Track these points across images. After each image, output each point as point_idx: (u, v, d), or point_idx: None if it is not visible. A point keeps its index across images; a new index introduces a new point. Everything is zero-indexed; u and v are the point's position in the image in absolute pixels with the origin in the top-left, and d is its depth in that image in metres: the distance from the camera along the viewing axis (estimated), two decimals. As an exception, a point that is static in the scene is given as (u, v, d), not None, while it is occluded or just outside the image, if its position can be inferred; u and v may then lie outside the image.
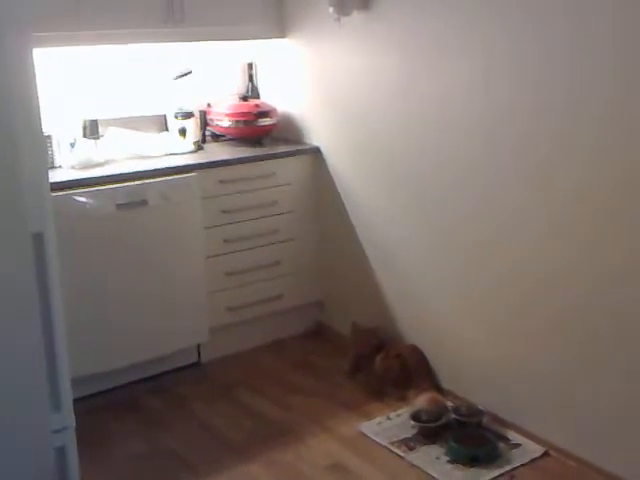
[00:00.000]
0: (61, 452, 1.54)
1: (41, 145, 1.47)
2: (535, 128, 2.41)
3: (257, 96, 3.60)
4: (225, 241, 3.15)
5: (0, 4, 1.31)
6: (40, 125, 1.45)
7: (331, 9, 3.02)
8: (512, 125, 2.49)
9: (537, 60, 2.37)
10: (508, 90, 2.48)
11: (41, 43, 2.28)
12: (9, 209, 1.37)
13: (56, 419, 1.51)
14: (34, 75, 1.43)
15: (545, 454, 2.47)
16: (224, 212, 3.13)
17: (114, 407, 2.85)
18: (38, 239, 1.45)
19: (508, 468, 2.40)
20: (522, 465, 2.42)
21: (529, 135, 2.43)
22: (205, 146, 3.37)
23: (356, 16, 3.01)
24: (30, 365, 1.43)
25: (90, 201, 2.73)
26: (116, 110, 3.26)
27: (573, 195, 2.34)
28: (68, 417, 1.56)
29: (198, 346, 3.18)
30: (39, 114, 1.45)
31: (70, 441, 1.57)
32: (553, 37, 2.31)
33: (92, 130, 3.02)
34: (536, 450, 2.49)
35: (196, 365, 3.19)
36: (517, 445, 2.52)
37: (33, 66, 1.43)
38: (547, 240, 2.44)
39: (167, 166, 2.98)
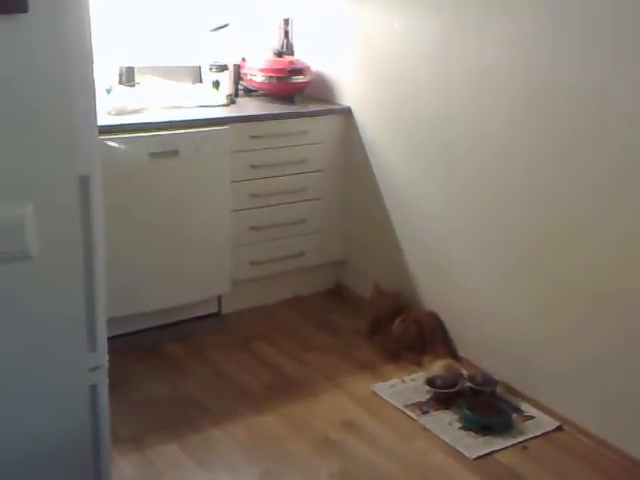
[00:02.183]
0: (94, 390, 1.59)
1: (92, 88, 1.47)
2: (575, 98, 2.39)
3: (292, 53, 3.57)
4: (252, 196, 3.17)
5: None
6: (92, 67, 1.46)
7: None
8: (551, 94, 2.47)
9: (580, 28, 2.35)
10: (549, 58, 2.45)
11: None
12: (58, 150, 1.39)
13: (91, 358, 1.56)
14: (89, 14, 1.43)
15: (558, 428, 2.51)
16: (253, 167, 3.14)
17: (136, 350, 2.91)
18: (85, 182, 1.47)
19: (520, 439, 2.45)
20: (535, 437, 2.47)
21: (567, 104, 2.42)
22: (237, 100, 3.37)
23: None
24: (71, 305, 1.46)
25: (122, 147, 2.75)
26: (152, 59, 3.25)
27: (598, 149, 2.34)
28: (102, 357, 1.60)
29: (219, 297, 3.23)
30: (91, 55, 1.46)
31: (102, 380, 1.61)
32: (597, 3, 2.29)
33: (128, 77, 3.02)
34: (550, 424, 2.53)
35: (216, 315, 3.24)
36: (531, 417, 2.56)
37: (88, 10, 1.43)
38: (572, 205, 2.45)
39: (200, 118, 2.99)
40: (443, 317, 3.00)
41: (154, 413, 2.56)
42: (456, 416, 2.55)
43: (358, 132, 3.33)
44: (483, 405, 2.55)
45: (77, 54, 1.41)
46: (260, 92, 3.46)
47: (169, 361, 2.90)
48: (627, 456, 2.34)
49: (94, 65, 1.49)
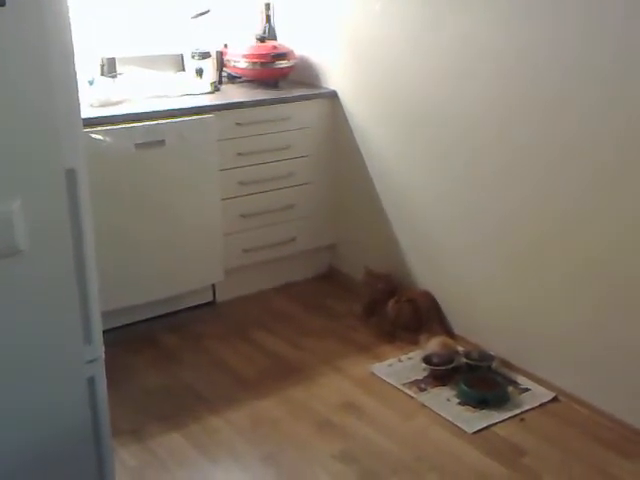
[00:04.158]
0: (91, 382, 1.59)
1: (74, 80, 1.47)
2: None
3: (274, 37, 3.55)
4: (240, 183, 3.16)
5: None
6: (73, 59, 1.45)
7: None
8: (532, 68, 2.47)
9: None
10: (524, 35, 2.46)
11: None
12: (44, 144, 1.38)
13: (87, 350, 1.56)
14: (67, 7, 1.42)
15: (554, 399, 2.54)
16: (240, 154, 3.13)
17: (132, 342, 2.92)
18: (71, 175, 1.47)
19: (517, 411, 2.47)
20: (531, 409, 2.49)
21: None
22: (221, 87, 3.35)
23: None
24: (64, 299, 1.46)
25: (107, 139, 2.74)
26: (133, 48, 3.23)
27: (584, 132, 2.34)
28: (98, 348, 1.60)
29: (213, 286, 3.23)
30: (72, 47, 1.45)
31: (100, 372, 1.61)
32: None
33: (110, 68, 3.00)
34: (545, 395, 2.55)
35: (211, 304, 3.25)
36: (526, 389, 2.59)
37: (67, 2, 1.42)
38: (560, 187, 2.46)
39: (185, 106, 2.97)
40: (437, 296, 3.01)
41: (152, 404, 2.57)
42: (453, 392, 2.57)
43: (345, 115, 3.32)
44: (480, 380, 2.57)
45: (58, 47, 1.40)
46: (244, 78, 3.44)
47: (165, 352, 2.90)
48: (624, 424, 2.37)
49: (75, 57, 1.48)
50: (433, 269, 3.04)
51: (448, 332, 2.93)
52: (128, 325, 2.99)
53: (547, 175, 2.50)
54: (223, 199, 3.12)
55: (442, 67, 2.80)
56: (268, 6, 3.57)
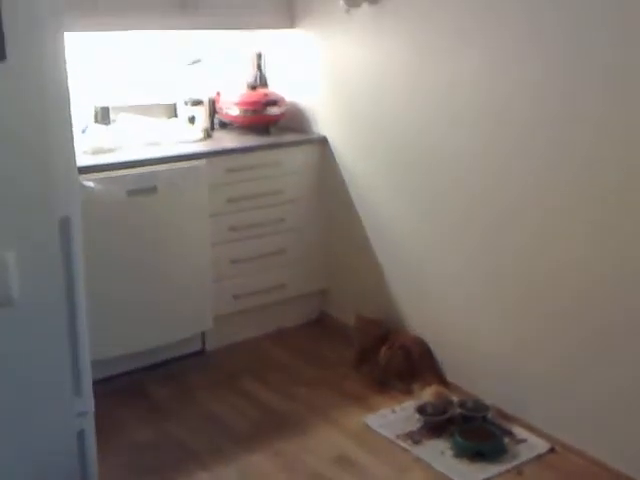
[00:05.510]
0: (81, 436, 1.54)
1: (69, 129, 1.46)
2: (538, 115, 2.43)
3: (265, 85, 3.59)
4: (231, 229, 3.15)
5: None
6: (69, 110, 1.45)
7: (341, 1, 3.07)
8: (517, 115, 2.51)
9: (535, 50, 2.42)
10: (511, 81, 2.51)
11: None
12: (40, 193, 1.36)
13: (77, 403, 1.52)
14: (65, 60, 1.42)
15: (551, 450, 2.49)
16: (230, 200, 3.12)
17: (120, 394, 2.84)
18: (65, 223, 1.45)
19: (514, 463, 2.42)
20: (528, 461, 2.44)
21: (534, 122, 2.45)
22: (213, 134, 3.36)
23: (366, 9, 3.04)
24: (55, 349, 1.42)
25: (99, 187, 2.72)
26: (127, 97, 3.24)
27: (579, 181, 2.36)
28: (88, 401, 1.56)
29: (202, 334, 3.18)
30: (68, 98, 1.44)
31: (89, 425, 1.57)
32: (552, 34, 2.36)
33: (103, 116, 3.01)
34: (542, 446, 2.51)
35: (200, 353, 3.19)
36: (523, 440, 2.54)
37: (64, 51, 1.42)
38: (553, 231, 2.46)
39: (177, 153, 2.97)
40: (429, 342, 2.98)
41: (140, 458, 2.48)
42: (448, 444, 2.51)
43: (335, 160, 3.34)
44: (475, 431, 2.52)
45: (55, 98, 1.40)
46: (236, 125, 3.46)
47: (154, 404, 2.83)
48: (621, 474, 2.33)
49: (71, 107, 1.48)
50: (425, 315, 3.02)
51: (441, 380, 2.89)
52: (115, 376, 2.91)
53: (542, 222, 2.50)
54: (213, 244, 3.09)
55: (430, 113, 2.83)
56: (259, 55, 3.61)
